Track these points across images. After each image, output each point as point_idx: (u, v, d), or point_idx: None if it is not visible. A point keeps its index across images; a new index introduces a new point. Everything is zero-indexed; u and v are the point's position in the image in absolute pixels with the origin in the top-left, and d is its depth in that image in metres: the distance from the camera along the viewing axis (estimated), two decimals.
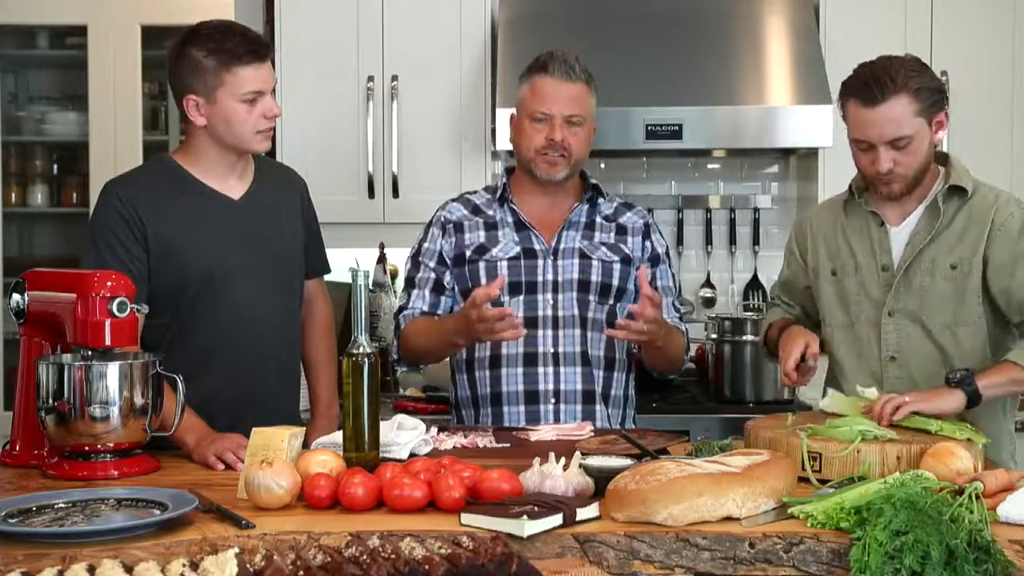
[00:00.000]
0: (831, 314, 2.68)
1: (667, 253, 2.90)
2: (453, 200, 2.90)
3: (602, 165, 4.00)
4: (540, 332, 2.73)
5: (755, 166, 4.01)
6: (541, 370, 2.74)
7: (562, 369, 2.73)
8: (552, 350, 2.74)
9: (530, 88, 2.74)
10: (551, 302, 2.75)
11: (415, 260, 2.86)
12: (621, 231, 2.84)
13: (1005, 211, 2.54)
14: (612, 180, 3.98)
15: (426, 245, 2.85)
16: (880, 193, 2.57)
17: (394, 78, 3.67)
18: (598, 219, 2.84)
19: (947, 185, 2.57)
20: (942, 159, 2.63)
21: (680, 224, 3.99)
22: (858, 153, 2.53)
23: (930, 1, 3.65)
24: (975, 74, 3.65)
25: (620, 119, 3.45)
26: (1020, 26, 3.67)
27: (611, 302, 2.78)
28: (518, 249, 2.78)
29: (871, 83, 2.45)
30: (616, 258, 2.79)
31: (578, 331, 2.74)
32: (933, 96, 2.48)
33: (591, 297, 2.76)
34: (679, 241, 3.99)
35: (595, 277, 2.77)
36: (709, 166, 4.04)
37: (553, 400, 2.73)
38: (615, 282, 2.78)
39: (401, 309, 2.85)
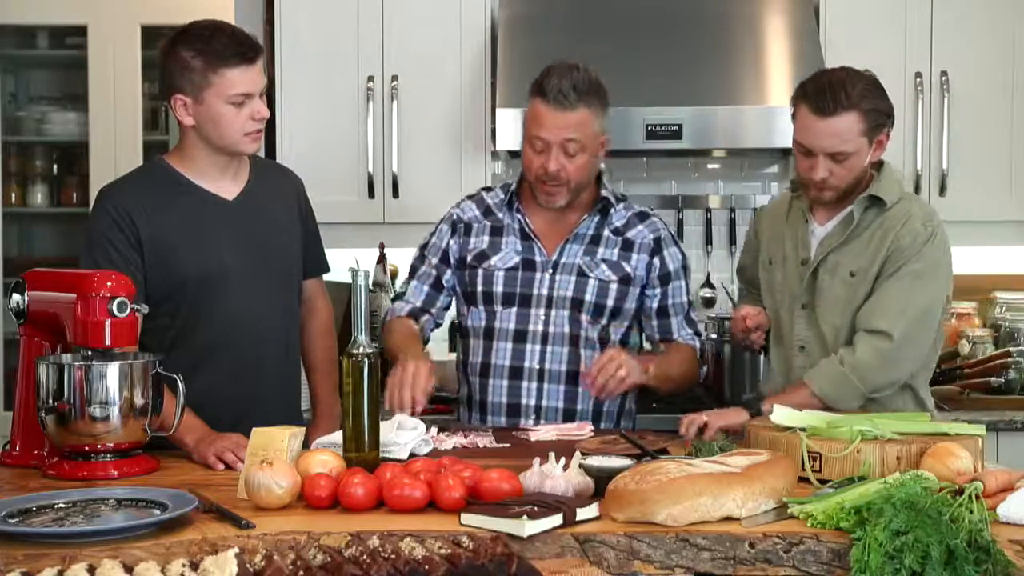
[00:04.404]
0: (764, 302, 2.79)
1: (684, 267, 2.85)
2: (470, 197, 2.89)
3: (602, 165, 3.98)
4: (528, 347, 2.72)
5: (755, 166, 4.00)
6: (525, 384, 2.73)
7: (546, 385, 2.73)
8: (538, 366, 2.73)
9: (530, 110, 2.68)
10: (543, 317, 2.73)
11: (421, 252, 2.88)
12: (627, 247, 2.78)
13: (906, 228, 2.59)
14: (612, 180, 3.97)
15: (433, 240, 2.86)
16: (811, 197, 2.66)
17: (394, 78, 3.66)
18: (606, 232, 2.78)
19: (867, 194, 2.63)
20: (877, 166, 2.68)
21: (680, 224, 3.98)
22: (799, 156, 2.61)
23: (930, 1, 3.65)
24: (975, 74, 3.65)
25: (620, 119, 3.44)
26: (1020, 26, 3.67)
27: (604, 322, 2.75)
28: (518, 259, 2.76)
29: (826, 94, 2.51)
30: (615, 277, 2.75)
31: (567, 349, 2.72)
32: (881, 118, 2.56)
33: (584, 316, 2.73)
34: (679, 240, 3.98)
35: (589, 296, 2.73)
36: (709, 166, 4.04)
37: (534, 415, 2.73)
38: (610, 302, 2.74)
39: (398, 296, 2.87)
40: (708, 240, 3.98)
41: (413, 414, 2.48)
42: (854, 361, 2.53)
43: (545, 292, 2.74)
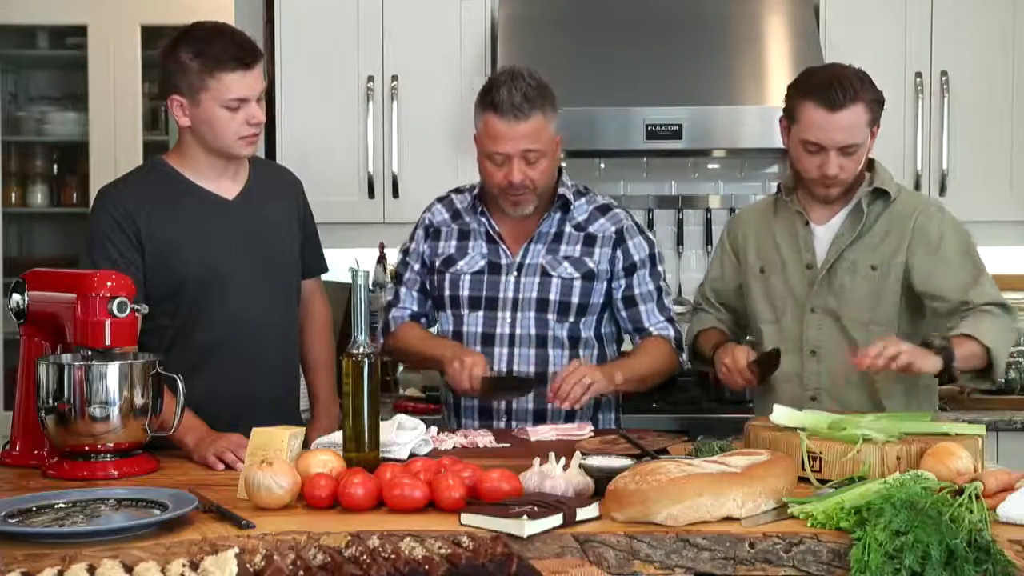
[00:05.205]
0: (760, 311, 2.76)
1: (651, 255, 2.80)
2: (439, 200, 2.89)
3: (602, 165, 3.99)
4: (496, 350, 2.73)
5: (755, 166, 4.01)
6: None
7: None
8: (506, 369, 2.72)
9: (483, 124, 2.66)
10: (509, 320, 2.73)
11: (403, 257, 2.88)
12: (589, 241, 2.77)
13: (925, 215, 2.64)
14: (612, 180, 3.98)
15: (412, 246, 2.87)
16: (817, 195, 2.66)
17: (394, 78, 3.67)
18: (567, 228, 2.77)
19: (871, 188, 2.65)
20: (868, 164, 2.69)
21: (680, 224, 3.99)
22: (804, 155, 2.59)
23: (930, 1, 3.65)
24: (975, 74, 3.65)
25: (620, 119, 3.45)
26: (1020, 26, 3.67)
27: (572, 319, 2.74)
28: (483, 263, 2.76)
29: (834, 88, 2.52)
30: (578, 274, 2.74)
31: (534, 351, 2.72)
32: (879, 109, 2.58)
33: (550, 316, 2.73)
34: (679, 241, 3.99)
35: (554, 296, 2.73)
36: (709, 166, 4.04)
37: (505, 417, 2.75)
38: (575, 299, 2.73)
39: (391, 305, 2.87)
40: (708, 240, 3.98)
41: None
42: (1008, 323, 2.53)
43: (510, 295, 2.74)
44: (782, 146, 3.53)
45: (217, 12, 3.02)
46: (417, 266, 2.84)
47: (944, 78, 3.62)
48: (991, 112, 3.67)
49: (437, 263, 2.80)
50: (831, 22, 3.66)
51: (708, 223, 3.99)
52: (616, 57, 3.56)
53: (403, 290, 2.86)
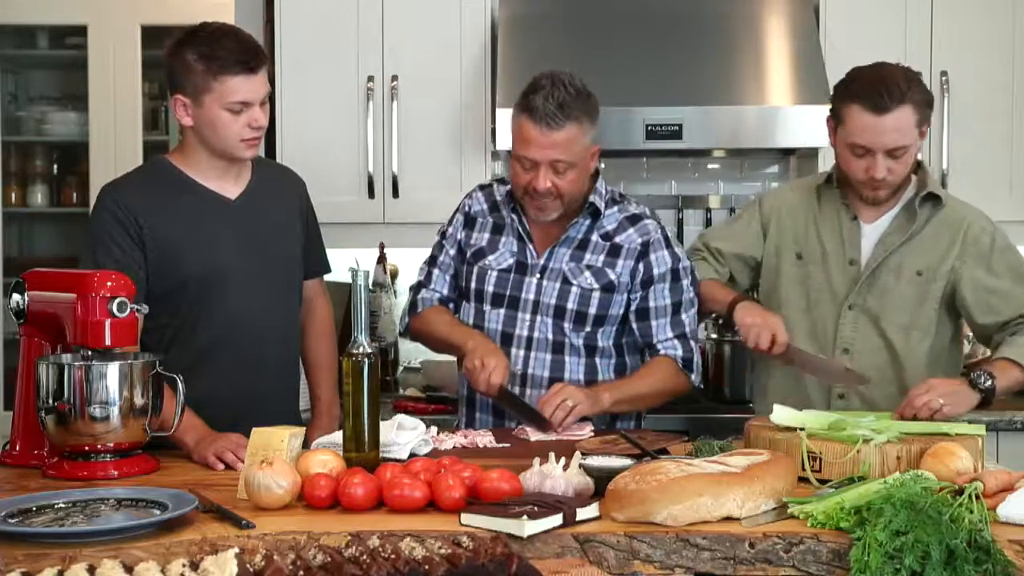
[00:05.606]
0: (790, 297, 2.72)
1: (673, 270, 2.72)
2: (481, 188, 2.86)
3: (602, 165, 3.97)
4: (513, 351, 2.70)
5: (755, 166, 4.01)
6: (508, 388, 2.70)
7: (528, 390, 2.69)
8: (521, 370, 2.70)
9: (517, 126, 2.61)
10: (528, 322, 2.71)
11: (440, 239, 2.85)
12: (614, 252, 2.72)
13: (977, 226, 2.64)
14: (612, 180, 3.95)
15: (449, 229, 2.84)
16: (865, 197, 2.63)
17: (394, 78, 3.66)
18: (594, 237, 2.72)
19: (925, 192, 2.63)
20: (914, 166, 2.67)
21: (680, 224, 3.98)
22: (851, 157, 2.56)
23: (930, 1, 3.65)
24: (975, 74, 3.65)
25: (620, 119, 3.44)
26: (1020, 26, 3.67)
27: (588, 329, 2.70)
28: (512, 261, 2.74)
29: (882, 90, 2.48)
30: (597, 285, 2.69)
31: (549, 355, 2.70)
32: (927, 109, 2.54)
33: (566, 324, 2.69)
34: (679, 241, 3.98)
35: (571, 305, 2.69)
36: (709, 166, 4.04)
37: (516, 419, 2.71)
38: (592, 310, 2.69)
39: (420, 285, 2.84)
40: None
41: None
42: None
43: (532, 297, 2.72)
44: (782, 146, 3.58)
45: (217, 12, 3.03)
46: (453, 251, 2.82)
47: (944, 78, 3.62)
48: (991, 112, 3.66)
49: (468, 254, 2.79)
50: (831, 22, 3.66)
51: (708, 223, 3.98)
52: (616, 57, 3.56)
53: (436, 272, 2.83)
